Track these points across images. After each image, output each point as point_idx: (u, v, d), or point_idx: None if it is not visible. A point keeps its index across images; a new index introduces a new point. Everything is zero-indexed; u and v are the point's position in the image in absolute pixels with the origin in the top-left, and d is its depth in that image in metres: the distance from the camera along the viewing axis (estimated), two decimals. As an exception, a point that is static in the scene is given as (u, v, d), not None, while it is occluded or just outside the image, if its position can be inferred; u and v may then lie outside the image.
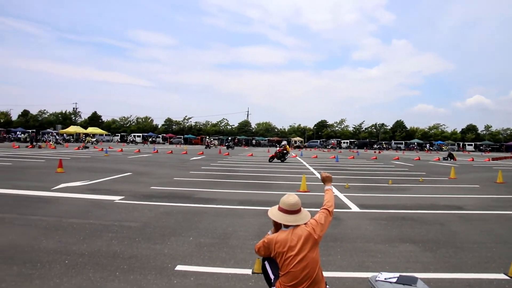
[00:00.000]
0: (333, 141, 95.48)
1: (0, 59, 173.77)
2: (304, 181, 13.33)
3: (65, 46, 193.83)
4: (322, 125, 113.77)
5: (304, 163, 29.80)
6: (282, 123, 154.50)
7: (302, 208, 4.01)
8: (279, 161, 29.65)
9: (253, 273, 5.04)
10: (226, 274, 5.07)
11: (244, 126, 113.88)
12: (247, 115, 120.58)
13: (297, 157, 38.56)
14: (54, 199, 10.31)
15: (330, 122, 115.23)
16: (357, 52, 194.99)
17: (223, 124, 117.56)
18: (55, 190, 11.80)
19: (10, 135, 77.88)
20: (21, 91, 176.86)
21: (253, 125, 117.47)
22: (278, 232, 3.91)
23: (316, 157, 40.09)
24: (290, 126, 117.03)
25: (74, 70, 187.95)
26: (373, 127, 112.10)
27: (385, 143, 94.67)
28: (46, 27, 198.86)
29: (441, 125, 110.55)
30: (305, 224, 3.90)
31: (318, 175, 19.06)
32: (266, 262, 4.08)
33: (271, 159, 29.70)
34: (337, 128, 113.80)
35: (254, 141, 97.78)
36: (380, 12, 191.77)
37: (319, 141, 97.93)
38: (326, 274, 4.32)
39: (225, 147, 65.34)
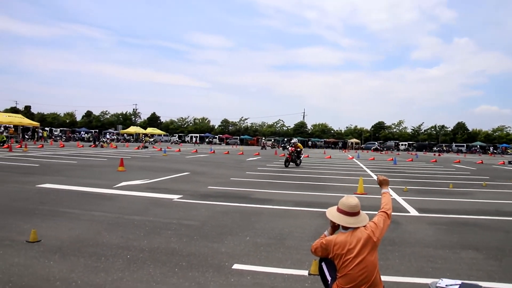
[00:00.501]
0: (391, 142, 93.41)
1: (67, 63, 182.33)
2: (361, 183, 13.16)
3: (126, 49, 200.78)
4: (379, 126, 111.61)
5: (361, 165, 29.35)
6: (338, 124, 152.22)
7: (361, 211, 3.97)
8: (294, 164, 25.00)
9: (309, 274, 5.03)
10: (283, 275, 5.09)
11: (300, 127, 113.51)
12: (303, 116, 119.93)
13: (354, 159, 38.02)
14: (115, 196, 10.70)
15: (387, 123, 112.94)
16: (415, 52, 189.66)
17: (279, 125, 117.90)
18: (117, 188, 12.24)
19: (75, 135, 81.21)
20: (85, 93, 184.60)
21: (309, 126, 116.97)
22: (337, 234, 3.88)
23: (373, 159, 39.39)
24: (347, 127, 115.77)
25: (135, 72, 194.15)
26: (432, 129, 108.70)
27: (445, 146, 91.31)
28: (108, 31, 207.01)
29: (506, 127, 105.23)
30: (364, 226, 3.86)
31: (376, 178, 18.70)
32: (323, 264, 4.07)
33: (286, 163, 24.28)
34: (395, 130, 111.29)
35: (310, 143, 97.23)
36: (441, 10, 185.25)
37: (376, 143, 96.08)
38: (383, 278, 4.26)
39: (281, 148, 65.35)
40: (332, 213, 4.00)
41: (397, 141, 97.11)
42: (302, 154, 25.99)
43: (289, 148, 25.86)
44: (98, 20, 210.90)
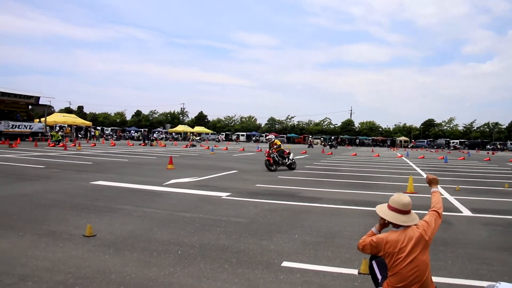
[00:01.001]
0: (442, 140, 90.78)
1: (117, 64, 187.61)
2: (411, 182, 12.89)
3: (173, 50, 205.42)
4: (429, 124, 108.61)
5: (411, 163, 28.73)
6: (386, 122, 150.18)
7: (411, 210, 3.90)
8: (286, 168, 19.91)
9: (359, 273, 4.98)
10: (332, 273, 5.07)
11: (347, 125, 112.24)
12: (350, 114, 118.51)
13: (403, 157, 37.26)
14: (165, 194, 10.92)
15: (437, 121, 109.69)
16: (467, 46, 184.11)
17: (325, 123, 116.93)
18: (167, 185, 12.49)
19: (125, 134, 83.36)
20: (135, 93, 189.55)
21: (356, 124, 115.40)
22: (388, 232, 3.83)
23: (423, 157, 38.44)
24: (395, 125, 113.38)
25: (182, 72, 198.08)
26: (485, 126, 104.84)
27: (499, 144, 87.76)
28: (155, 32, 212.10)
29: None
30: (415, 225, 3.79)
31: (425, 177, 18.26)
32: (373, 262, 4.03)
33: (269, 165, 18.89)
34: (445, 128, 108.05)
35: (357, 141, 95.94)
36: (493, 2, 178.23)
37: (426, 141, 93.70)
38: (435, 279, 4.18)
39: (328, 147, 64.85)
40: (383, 211, 3.95)
41: (447, 139, 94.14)
42: (290, 153, 20.26)
43: (265, 150, 20.80)
44: (146, 22, 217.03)
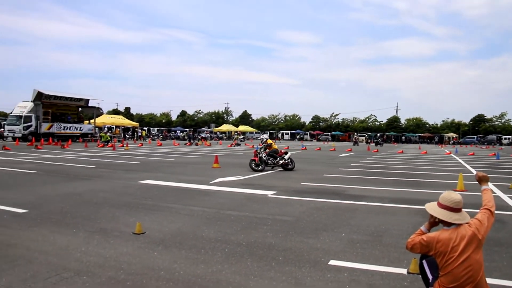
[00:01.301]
0: (493, 136, 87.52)
1: (162, 66, 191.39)
2: (461, 180, 12.52)
3: (217, 50, 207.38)
4: (479, 119, 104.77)
5: (460, 160, 27.91)
6: (433, 118, 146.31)
7: (462, 208, 3.79)
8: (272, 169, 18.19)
9: (408, 273, 4.89)
10: (380, 272, 4.99)
11: (393, 122, 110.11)
12: (396, 111, 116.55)
13: (452, 154, 36.25)
14: (212, 192, 11.05)
15: (488, 116, 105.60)
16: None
17: (371, 120, 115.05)
18: (213, 184, 12.63)
19: (171, 134, 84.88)
20: (179, 93, 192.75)
21: (403, 121, 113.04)
22: (439, 231, 3.72)
23: (473, 154, 37.27)
24: (443, 121, 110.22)
25: (226, 72, 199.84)
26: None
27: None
28: (200, 34, 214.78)
29: None
30: (467, 223, 3.68)
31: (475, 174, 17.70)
32: (424, 261, 3.93)
33: (255, 166, 17.50)
34: (496, 123, 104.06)
35: (404, 138, 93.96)
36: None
37: (475, 137, 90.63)
38: (489, 280, 4.04)
39: (374, 144, 63.88)
40: (433, 208, 3.83)
41: (499, 135, 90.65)
42: (287, 153, 18.89)
43: (260, 148, 19.13)
44: (191, 24, 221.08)
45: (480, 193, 4.15)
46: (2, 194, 10.02)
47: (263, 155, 17.86)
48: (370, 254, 5.70)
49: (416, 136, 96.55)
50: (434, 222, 3.85)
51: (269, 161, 17.94)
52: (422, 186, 13.25)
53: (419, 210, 8.74)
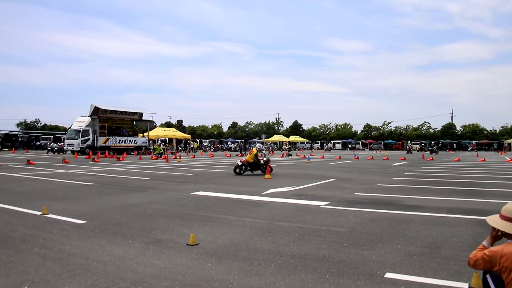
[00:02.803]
0: None
1: (212, 78, 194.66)
2: (524, 189, 11.97)
3: (265, 61, 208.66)
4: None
5: (522, 168, 26.71)
6: (492, 124, 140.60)
7: None
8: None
9: (470, 287, 4.68)
10: (439, 286, 4.80)
11: (448, 129, 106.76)
12: (451, 117, 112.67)
13: (513, 162, 34.75)
14: (264, 203, 11.05)
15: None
16: None
17: (424, 127, 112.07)
18: (265, 195, 12.63)
19: (222, 145, 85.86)
20: (230, 105, 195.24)
21: (458, 128, 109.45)
22: (503, 245, 3.53)
23: (537, 161, 35.54)
24: (502, 126, 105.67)
25: (275, 82, 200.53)
26: None
27: None
28: (248, 45, 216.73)
29: None
30: None
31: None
32: (488, 276, 3.73)
33: (239, 169, 20.63)
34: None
35: (454, 145, 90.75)
36: None
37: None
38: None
39: (428, 152, 62.17)
40: (495, 220, 3.64)
41: None
42: (263, 157, 21.28)
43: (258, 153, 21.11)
44: (238, 36, 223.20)
45: None
46: (63, 205, 10.41)
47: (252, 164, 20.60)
48: (428, 267, 5.50)
49: (473, 143, 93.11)
50: (497, 236, 3.65)
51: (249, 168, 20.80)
52: (482, 196, 12.73)
53: (480, 221, 8.40)
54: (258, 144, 23.88)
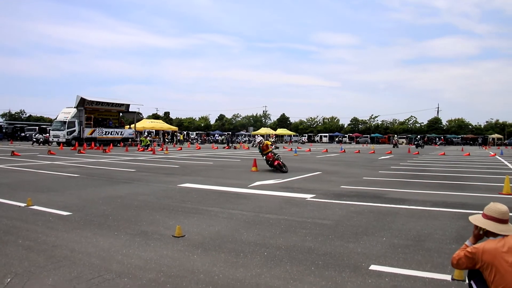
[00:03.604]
0: None
1: (200, 70, 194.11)
2: (507, 183, 12.09)
3: (254, 54, 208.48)
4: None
5: (506, 162, 27.05)
6: (477, 119, 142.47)
7: (508, 220, 3.63)
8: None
9: (452, 279, 4.72)
10: (423, 278, 4.86)
11: (434, 124, 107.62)
12: (437, 112, 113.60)
13: (496, 156, 35.15)
14: (250, 196, 11.06)
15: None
16: None
17: (411, 122, 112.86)
18: (251, 187, 12.65)
19: (209, 138, 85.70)
20: (218, 97, 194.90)
21: (444, 122, 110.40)
22: (485, 241, 3.57)
23: (520, 156, 36.01)
24: (487, 122, 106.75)
25: (264, 75, 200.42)
26: None
27: None
28: (238, 38, 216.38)
29: None
30: None
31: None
32: (472, 282, 3.70)
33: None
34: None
35: (438, 140, 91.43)
36: None
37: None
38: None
39: (414, 146, 62.65)
40: (478, 219, 3.69)
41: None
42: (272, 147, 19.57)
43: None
44: (228, 29, 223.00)
45: None
46: (48, 197, 10.33)
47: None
48: (412, 259, 5.56)
49: (458, 138, 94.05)
50: (479, 235, 3.70)
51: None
52: (466, 189, 12.88)
53: (463, 214, 8.49)
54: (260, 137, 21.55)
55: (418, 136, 79.90)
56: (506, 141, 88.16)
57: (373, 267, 5.22)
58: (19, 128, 70.19)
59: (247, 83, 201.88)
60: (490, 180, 15.60)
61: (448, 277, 4.82)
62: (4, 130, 68.03)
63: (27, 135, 64.05)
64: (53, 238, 6.36)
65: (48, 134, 48.76)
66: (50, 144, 45.13)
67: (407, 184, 14.18)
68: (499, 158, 32.14)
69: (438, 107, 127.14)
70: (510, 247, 3.39)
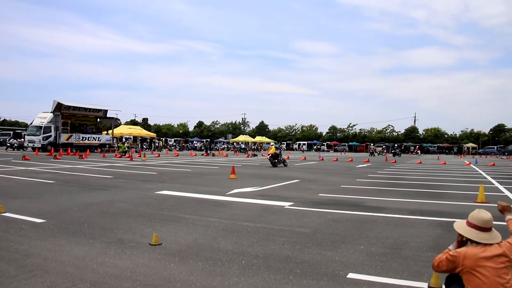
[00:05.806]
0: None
1: (180, 77, 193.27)
2: (481, 191, 12.29)
3: (234, 61, 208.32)
4: (499, 129, 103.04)
5: (480, 171, 27.48)
6: (452, 129, 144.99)
7: (493, 227, 3.67)
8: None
9: (429, 287, 4.75)
10: (400, 286, 4.87)
11: (411, 132, 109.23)
12: (414, 121, 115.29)
13: (471, 165, 35.73)
14: (228, 203, 11.00)
15: (508, 126, 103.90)
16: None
17: (388, 130, 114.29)
18: (229, 195, 12.59)
19: (188, 144, 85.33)
20: (197, 104, 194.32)
21: (421, 131, 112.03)
22: (467, 247, 3.60)
23: (494, 164, 36.64)
24: (462, 131, 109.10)
25: (243, 82, 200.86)
26: None
27: None
28: (217, 45, 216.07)
29: None
30: (498, 244, 3.56)
31: (497, 185, 17.44)
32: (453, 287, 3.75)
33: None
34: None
35: (412, 149, 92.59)
36: None
37: (496, 147, 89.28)
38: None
39: (391, 154, 63.33)
40: (461, 227, 3.73)
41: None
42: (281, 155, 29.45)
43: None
44: (208, 35, 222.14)
45: (505, 223, 4.08)
46: (21, 203, 10.10)
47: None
48: (390, 267, 5.58)
49: (434, 147, 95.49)
50: (462, 241, 3.75)
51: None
52: (442, 198, 13.03)
53: (440, 222, 8.58)
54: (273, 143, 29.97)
55: (395, 145, 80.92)
56: (480, 150, 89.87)
57: (351, 275, 5.22)
58: (-8, 133, 68.81)
59: (226, 90, 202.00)
60: (465, 189, 15.82)
61: (425, 285, 4.84)
62: (-24, 135, 66.61)
63: (1, 140, 62.73)
64: (25, 247, 6.20)
65: (23, 139, 47.93)
66: (25, 149, 44.35)
67: (385, 192, 14.29)
68: (474, 167, 32.66)
69: (415, 116, 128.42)
70: (491, 255, 3.43)
